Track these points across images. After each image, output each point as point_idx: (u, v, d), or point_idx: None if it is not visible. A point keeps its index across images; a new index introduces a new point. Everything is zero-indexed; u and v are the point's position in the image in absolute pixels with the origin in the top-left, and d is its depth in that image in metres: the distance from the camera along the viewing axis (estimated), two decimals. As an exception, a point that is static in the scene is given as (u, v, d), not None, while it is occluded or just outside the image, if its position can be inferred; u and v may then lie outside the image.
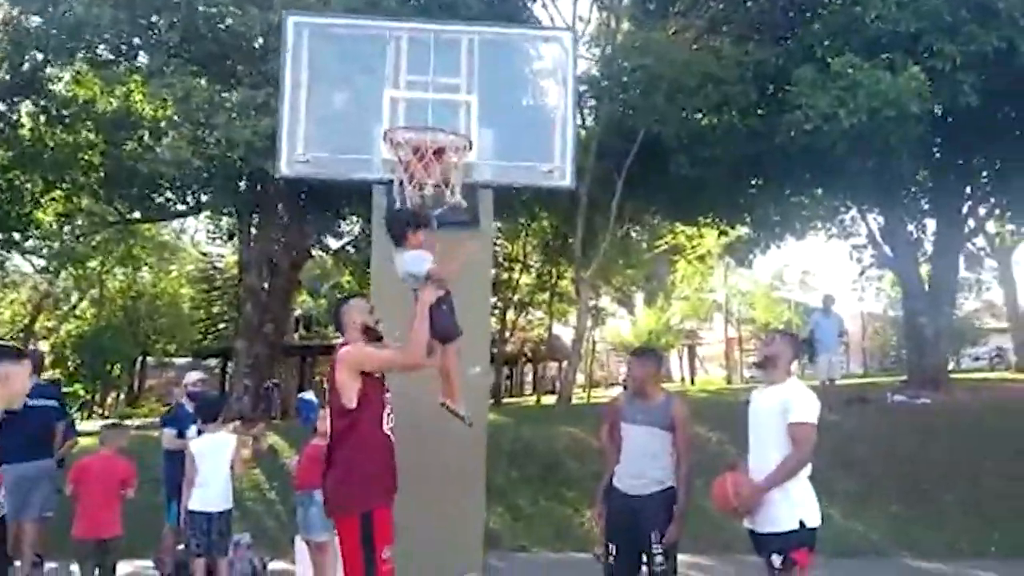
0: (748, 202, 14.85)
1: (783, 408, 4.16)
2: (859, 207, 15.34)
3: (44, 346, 29.16)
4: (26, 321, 26.75)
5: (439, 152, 4.87)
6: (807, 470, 4.17)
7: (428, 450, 6.89)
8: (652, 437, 4.66)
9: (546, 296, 23.50)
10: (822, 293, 13.40)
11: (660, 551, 4.54)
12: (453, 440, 6.95)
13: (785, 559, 3.99)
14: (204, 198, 16.31)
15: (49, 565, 6.74)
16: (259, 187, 14.14)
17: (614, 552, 4.70)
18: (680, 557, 7.36)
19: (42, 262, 24.07)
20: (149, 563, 7.19)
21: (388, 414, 4.03)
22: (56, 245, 22.23)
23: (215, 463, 6.12)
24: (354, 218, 16.41)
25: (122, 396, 31.43)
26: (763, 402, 4.34)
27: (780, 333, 4.55)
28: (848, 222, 16.73)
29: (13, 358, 3.45)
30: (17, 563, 6.40)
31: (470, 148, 5.03)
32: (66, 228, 20.90)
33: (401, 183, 4.90)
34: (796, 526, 4.02)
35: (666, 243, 22.44)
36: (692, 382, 26.65)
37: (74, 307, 28.80)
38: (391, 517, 3.92)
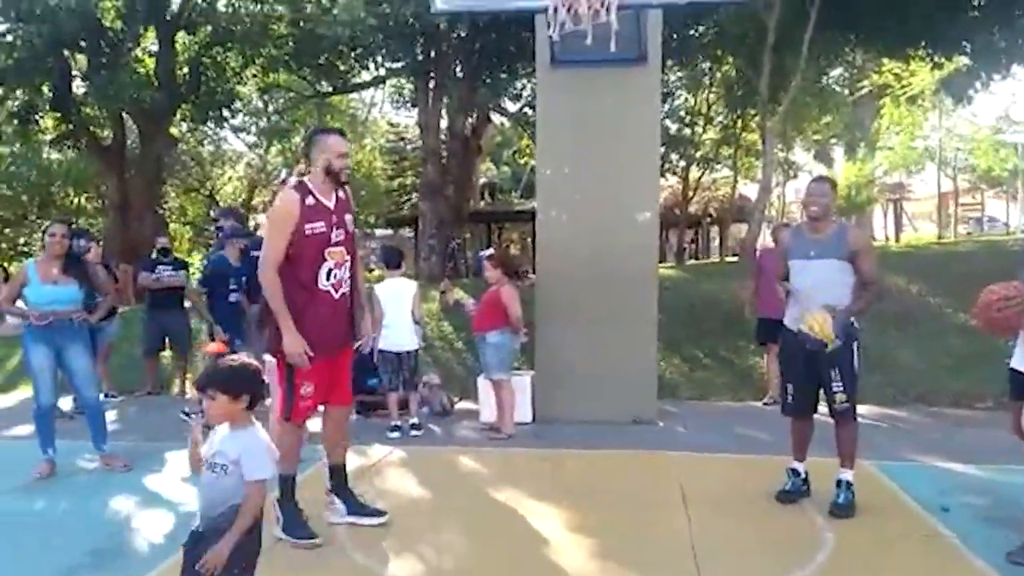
0: (967, 27, 12.90)
1: None
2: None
3: (262, 218, 32.07)
4: (244, 196, 29.36)
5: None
6: None
7: (602, 294, 6.95)
8: (830, 271, 4.32)
9: (731, 151, 22.22)
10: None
11: (840, 388, 4.31)
12: (626, 286, 6.95)
13: None
14: (383, 71, 16.72)
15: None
16: (434, 48, 14.23)
17: (792, 392, 4.54)
18: (867, 408, 7.12)
19: (252, 139, 26.27)
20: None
21: (330, 270, 3.95)
22: (263, 122, 24.18)
23: (398, 305, 6.51)
24: (528, 80, 16.14)
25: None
26: None
27: None
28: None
29: None
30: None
31: (628, -38, 4.63)
32: (269, 106, 22.56)
33: (555, 10, 4.64)
34: None
35: (870, 85, 20.21)
36: (896, 240, 24.50)
37: (284, 181, 31.12)
38: (320, 364, 3.96)
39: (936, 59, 14.80)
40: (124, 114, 15.93)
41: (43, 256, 5.41)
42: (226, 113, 16.79)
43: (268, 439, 2.68)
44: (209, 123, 17.59)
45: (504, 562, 3.79)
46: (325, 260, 3.93)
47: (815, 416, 4.60)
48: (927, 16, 12.17)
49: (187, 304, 8.39)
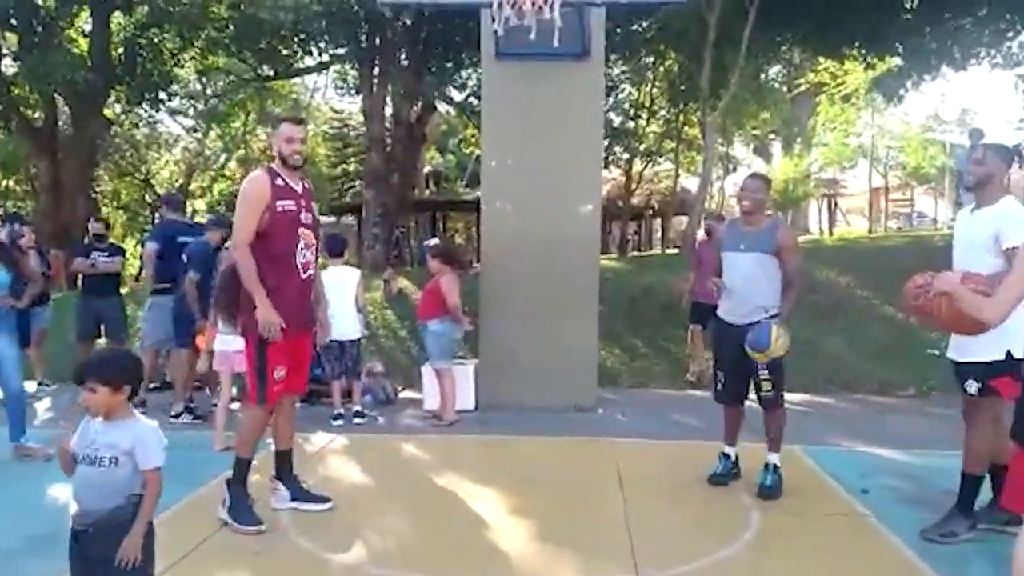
0: (900, 28, 13.39)
1: (995, 234, 3.60)
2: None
3: (200, 204, 31.34)
4: (181, 181, 28.62)
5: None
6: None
7: (545, 285, 7.07)
8: (757, 264, 4.51)
9: (673, 145, 22.62)
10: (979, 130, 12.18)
11: (767, 376, 4.50)
12: (568, 277, 7.08)
13: (983, 387, 3.69)
14: (327, 56, 16.52)
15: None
16: (379, 36, 14.13)
17: (723, 380, 4.73)
18: (796, 395, 7.41)
19: (189, 122, 25.65)
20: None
21: (302, 248, 4.05)
22: (200, 105, 23.61)
23: (341, 294, 6.50)
24: (474, 69, 16.15)
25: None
26: (973, 229, 3.79)
27: (989, 148, 3.92)
28: (1016, 48, 14.78)
29: None
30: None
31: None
32: (208, 88, 22.03)
33: (500, 5, 4.70)
34: (1001, 356, 3.61)
35: (806, 83, 20.82)
36: (830, 233, 25.28)
37: (223, 167, 30.45)
38: (290, 345, 4.03)
39: (870, 59, 15.31)
40: (56, 95, 15.42)
41: (-34, 241, 5.28)
42: (162, 95, 16.38)
43: (156, 426, 2.66)
44: (145, 105, 17.14)
45: (447, 546, 3.87)
46: (300, 239, 4.03)
47: (747, 403, 4.79)
48: (863, 17, 12.58)
49: (124, 290, 8.20)
